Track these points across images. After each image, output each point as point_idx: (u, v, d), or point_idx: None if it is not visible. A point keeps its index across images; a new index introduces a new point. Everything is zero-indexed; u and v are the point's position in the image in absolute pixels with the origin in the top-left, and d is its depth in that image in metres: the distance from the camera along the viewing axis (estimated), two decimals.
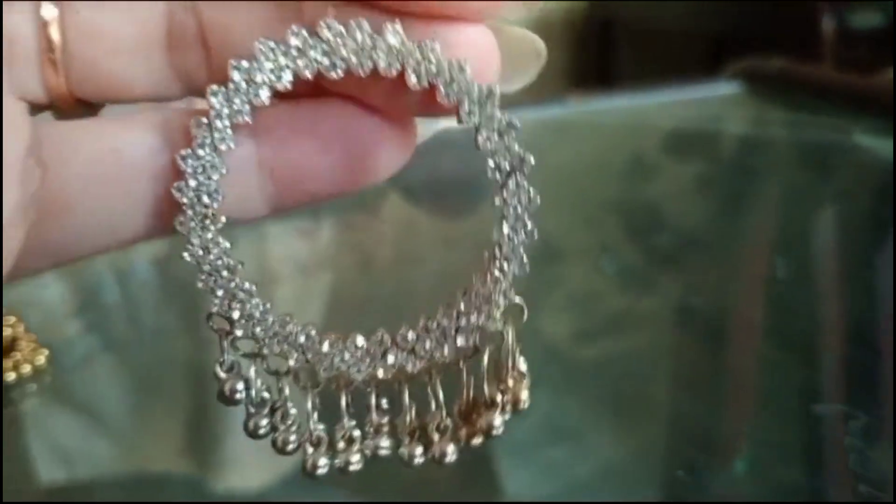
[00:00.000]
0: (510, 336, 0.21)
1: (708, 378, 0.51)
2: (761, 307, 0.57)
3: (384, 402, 0.22)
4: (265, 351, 0.20)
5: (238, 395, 0.21)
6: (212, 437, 0.45)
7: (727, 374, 0.51)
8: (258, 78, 0.18)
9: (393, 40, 0.18)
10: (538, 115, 0.82)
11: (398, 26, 0.18)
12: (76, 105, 0.20)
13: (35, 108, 0.20)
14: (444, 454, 0.21)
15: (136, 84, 0.20)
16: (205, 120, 0.19)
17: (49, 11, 0.19)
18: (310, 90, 0.20)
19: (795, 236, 0.65)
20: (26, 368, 0.46)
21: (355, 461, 0.21)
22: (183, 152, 0.19)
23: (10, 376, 0.45)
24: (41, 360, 0.47)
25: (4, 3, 0.18)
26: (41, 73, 0.19)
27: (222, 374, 0.21)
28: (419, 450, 0.21)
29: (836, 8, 1.10)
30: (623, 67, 1.68)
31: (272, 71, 0.18)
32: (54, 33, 0.19)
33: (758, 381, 0.50)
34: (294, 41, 0.18)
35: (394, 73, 0.18)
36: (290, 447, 0.21)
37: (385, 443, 0.21)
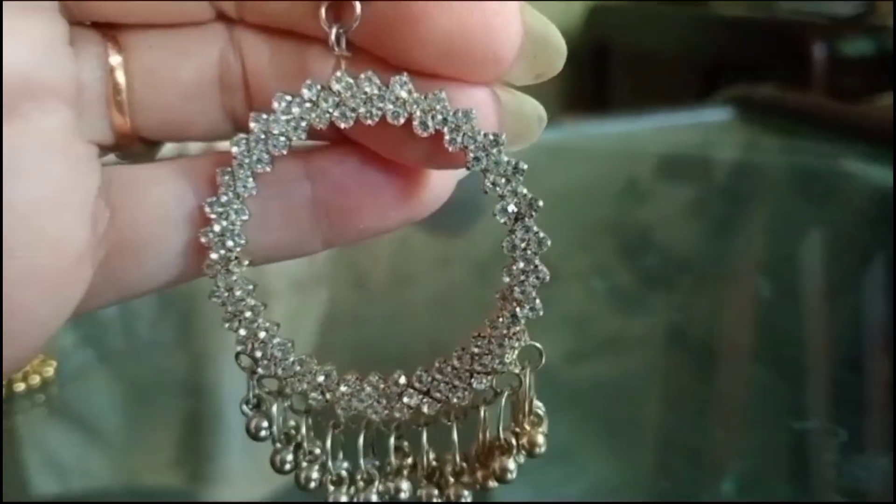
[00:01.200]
0: (527, 379, 0.21)
1: (697, 398, 0.51)
2: (750, 329, 0.58)
3: (405, 444, 0.22)
4: (287, 390, 0.21)
5: (263, 433, 0.21)
6: (204, 451, 0.45)
7: (716, 394, 0.51)
8: (275, 129, 0.19)
9: (401, 92, 0.19)
10: (542, 137, 0.82)
11: (405, 77, 0.19)
12: (140, 144, 0.22)
13: (101, 150, 0.21)
14: (458, 497, 0.21)
15: (194, 124, 0.22)
16: (228, 168, 0.20)
17: (115, 58, 0.20)
18: (340, 134, 0.21)
19: (785, 260, 0.65)
20: (35, 380, 0.46)
21: (374, 500, 0.21)
22: (209, 199, 0.20)
23: (20, 387, 0.46)
24: (50, 371, 0.47)
25: (76, 51, 0.19)
26: (109, 116, 0.21)
27: (248, 412, 0.21)
28: (435, 492, 0.22)
29: (828, 37, 1.11)
30: (618, 92, 1.69)
31: (288, 122, 0.19)
32: (120, 77, 0.20)
33: (746, 400, 0.50)
34: (308, 94, 0.19)
35: (401, 121, 0.19)
36: (312, 484, 0.22)
37: (405, 485, 0.22)
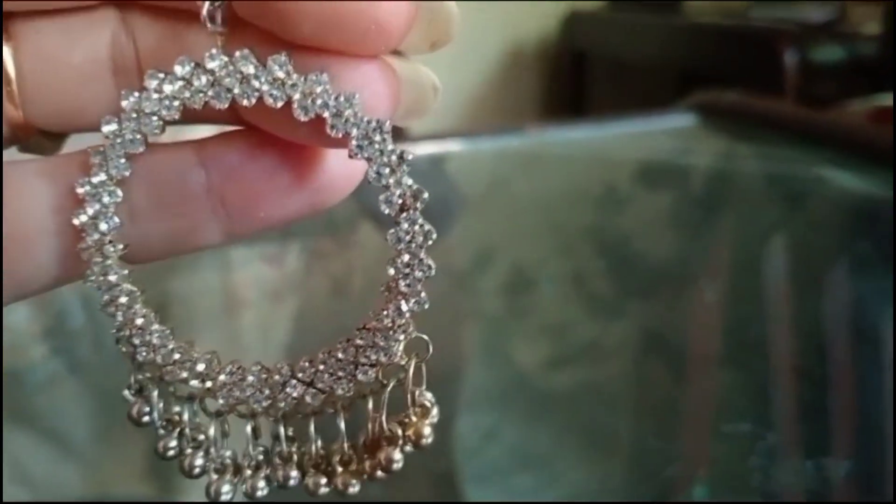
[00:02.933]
0: (411, 371, 0.21)
1: (673, 404, 0.51)
2: (722, 335, 0.58)
3: (290, 432, 0.22)
4: (167, 377, 0.20)
5: (145, 418, 0.21)
6: (175, 461, 0.45)
7: (691, 400, 0.51)
8: (147, 108, 0.18)
9: (279, 72, 0.18)
10: (507, 144, 0.83)
11: (284, 57, 0.18)
12: (38, 136, 0.21)
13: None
14: (346, 486, 0.21)
15: (90, 111, 0.20)
16: (101, 148, 0.19)
17: (4, 48, 0.20)
18: (230, 116, 0.20)
19: (757, 265, 0.66)
20: None
21: (261, 487, 0.21)
22: (80, 180, 0.19)
23: None
24: None
25: None
26: (1, 108, 0.20)
27: (130, 397, 0.21)
28: (323, 480, 0.21)
29: (799, 43, 1.12)
30: (594, 100, 1.70)
31: (160, 100, 0.18)
32: (10, 67, 0.20)
33: (718, 406, 0.50)
34: (180, 71, 0.18)
35: (279, 105, 0.18)
36: (196, 471, 0.21)
37: (294, 472, 0.21)
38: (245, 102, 0.18)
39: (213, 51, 0.18)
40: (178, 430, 0.21)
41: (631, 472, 0.47)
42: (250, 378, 0.20)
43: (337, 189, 0.20)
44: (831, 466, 0.42)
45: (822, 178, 0.77)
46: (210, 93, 0.18)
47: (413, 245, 0.19)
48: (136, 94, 0.18)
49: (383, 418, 0.21)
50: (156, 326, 0.20)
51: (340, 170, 0.20)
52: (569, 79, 1.76)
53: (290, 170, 0.20)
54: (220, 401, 0.20)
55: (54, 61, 0.20)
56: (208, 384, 0.20)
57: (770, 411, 0.48)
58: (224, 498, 0.21)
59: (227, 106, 0.18)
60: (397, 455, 0.20)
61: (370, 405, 0.21)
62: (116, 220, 0.19)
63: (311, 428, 0.21)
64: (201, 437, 0.21)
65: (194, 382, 0.20)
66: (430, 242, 0.19)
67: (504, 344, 0.56)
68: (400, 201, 0.19)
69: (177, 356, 0.20)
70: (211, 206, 0.20)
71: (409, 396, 0.21)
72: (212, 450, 0.21)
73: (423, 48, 0.20)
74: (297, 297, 0.62)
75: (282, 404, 0.20)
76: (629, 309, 0.64)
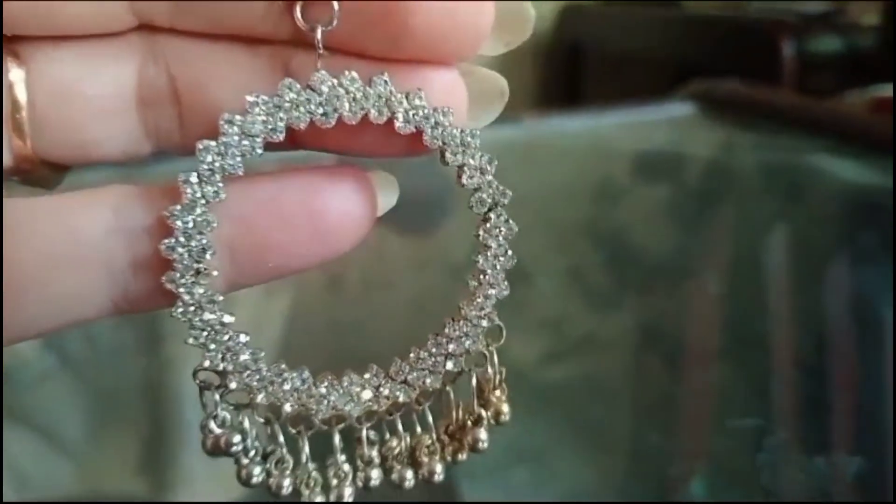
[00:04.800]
0: (495, 355, 0.22)
1: (669, 399, 0.51)
2: (721, 330, 0.58)
3: (372, 434, 0.22)
4: (259, 400, 0.21)
5: (235, 448, 0.21)
6: (168, 457, 0.45)
7: (687, 395, 0.51)
8: (254, 130, 0.19)
9: (382, 90, 0.19)
10: (503, 134, 0.82)
11: (386, 77, 0.19)
12: (42, 168, 0.20)
13: None
14: (432, 473, 0.22)
15: (106, 144, 0.20)
16: (194, 177, 0.19)
17: (16, 73, 0.19)
18: (284, 144, 0.20)
19: (754, 257, 0.66)
20: None
21: (347, 495, 0.22)
22: (174, 210, 0.18)
23: None
24: None
25: None
26: (7, 137, 0.19)
27: (216, 429, 0.21)
28: (409, 473, 0.22)
29: (797, 35, 1.12)
30: (591, 92, 1.70)
31: (265, 123, 0.19)
32: (21, 94, 0.19)
33: (716, 401, 0.50)
34: (289, 94, 0.19)
35: (384, 120, 0.19)
36: (285, 490, 0.21)
37: (375, 473, 0.22)
38: (352, 120, 0.19)
39: (322, 73, 0.19)
40: (258, 454, 0.21)
41: (628, 467, 0.46)
42: (346, 387, 0.21)
43: (345, 239, 0.20)
44: (831, 460, 0.42)
45: (822, 167, 0.77)
46: (320, 112, 0.19)
47: (500, 238, 0.21)
48: (240, 117, 0.19)
49: (474, 401, 0.22)
50: (251, 350, 0.20)
51: (351, 217, 0.20)
52: (564, 72, 1.76)
53: (302, 221, 0.19)
54: (319, 414, 0.21)
55: (69, 92, 0.19)
56: (304, 399, 0.21)
57: (769, 406, 0.48)
58: None
59: (333, 124, 0.19)
60: (483, 435, 0.22)
61: (451, 394, 0.22)
62: (212, 247, 0.19)
63: (399, 425, 0.22)
64: (278, 456, 0.21)
65: (293, 399, 0.21)
66: (512, 236, 0.21)
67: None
68: (490, 200, 0.21)
69: (273, 376, 0.21)
70: (218, 256, 0.19)
71: (494, 379, 0.22)
72: (307, 465, 0.22)
73: (498, 49, 0.20)
74: (290, 292, 0.62)
75: (375, 406, 0.21)
76: (626, 302, 0.64)
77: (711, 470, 0.44)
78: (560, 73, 1.77)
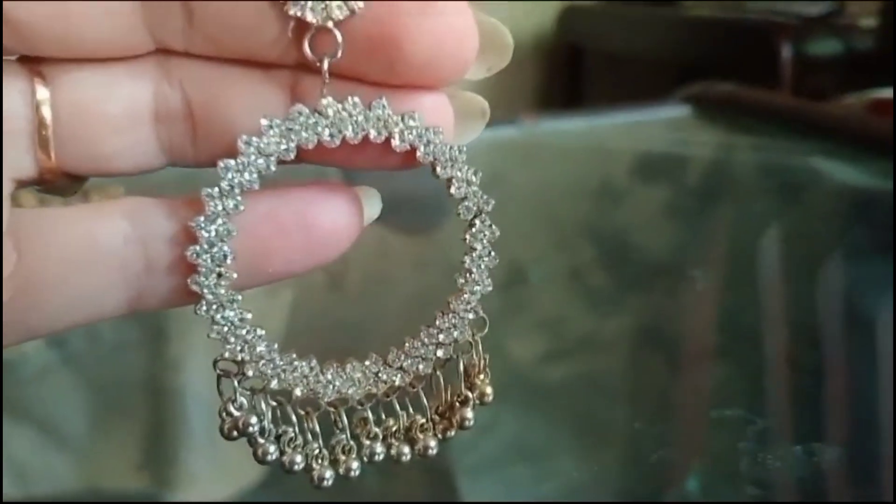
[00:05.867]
0: (479, 344, 0.25)
1: (667, 397, 0.51)
2: (719, 328, 0.58)
3: (369, 415, 0.25)
4: (272, 386, 0.23)
5: (252, 429, 0.23)
6: (168, 454, 0.45)
7: (685, 394, 0.51)
8: (269, 150, 0.21)
9: (381, 113, 0.21)
10: (503, 135, 0.82)
11: (384, 101, 0.21)
12: (62, 179, 0.21)
13: (22, 185, 0.21)
14: (427, 448, 0.25)
15: (124, 159, 0.21)
16: (216, 192, 0.21)
17: (42, 92, 0.20)
18: (293, 160, 0.22)
19: (752, 257, 0.66)
20: None
21: (355, 467, 0.24)
22: (199, 221, 0.21)
23: None
24: None
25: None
26: (33, 152, 0.20)
27: (235, 412, 0.23)
28: (406, 448, 0.25)
29: (796, 37, 1.12)
30: (591, 94, 1.70)
31: (278, 144, 0.21)
32: (46, 112, 0.20)
33: (712, 399, 0.50)
34: (300, 118, 0.21)
35: (382, 139, 0.21)
36: (297, 466, 0.24)
37: (379, 448, 0.24)
38: (354, 140, 0.21)
39: (329, 99, 0.21)
40: (271, 434, 0.24)
41: (626, 465, 0.47)
42: (349, 373, 0.24)
43: (335, 247, 0.22)
44: (824, 456, 0.42)
45: (818, 168, 0.77)
46: (326, 134, 0.21)
47: (484, 241, 0.24)
48: (256, 138, 0.21)
49: (462, 385, 0.25)
50: (266, 342, 0.23)
51: (341, 228, 0.22)
52: (565, 73, 1.76)
53: (297, 231, 0.22)
54: (326, 397, 0.24)
55: (92, 109, 0.21)
56: (312, 384, 0.24)
57: (765, 402, 0.48)
58: (327, 483, 0.24)
59: (338, 144, 0.21)
60: (470, 414, 0.25)
61: (441, 379, 0.25)
62: (231, 255, 0.21)
63: (397, 406, 0.25)
64: (290, 435, 0.24)
65: (302, 384, 0.24)
66: (495, 238, 0.24)
67: (499, 337, 0.56)
68: (475, 208, 0.23)
69: (285, 365, 0.23)
70: None
71: (479, 364, 0.25)
72: (316, 443, 0.24)
73: (480, 73, 0.22)
74: (291, 290, 0.62)
75: (374, 390, 0.24)
76: (626, 302, 0.64)
77: (708, 466, 0.44)
78: (560, 73, 1.77)
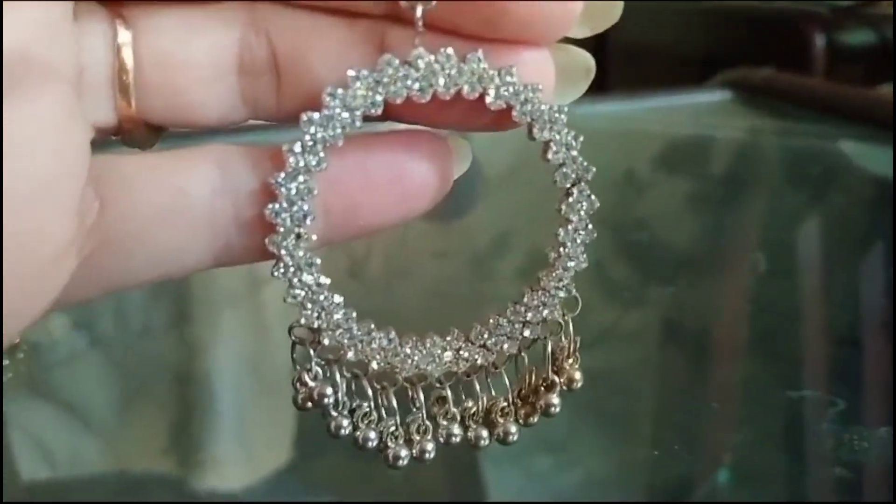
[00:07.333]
0: (570, 325, 0.23)
1: (693, 389, 0.51)
2: (748, 317, 0.57)
3: (449, 395, 0.24)
4: (349, 357, 0.22)
5: (327, 399, 0.22)
6: (195, 438, 0.45)
7: (712, 385, 0.51)
8: (354, 104, 0.20)
9: (476, 67, 0.20)
10: None
11: (480, 54, 0.20)
12: (144, 129, 0.21)
13: (102, 133, 0.20)
14: (507, 434, 0.23)
15: (206, 110, 0.21)
16: (298, 147, 0.20)
17: (123, 36, 0.19)
18: (379, 116, 0.21)
19: (783, 244, 0.65)
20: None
21: (430, 449, 0.23)
22: (279, 177, 0.20)
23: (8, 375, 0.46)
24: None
25: (81, 27, 0.19)
26: (113, 98, 0.20)
27: (311, 381, 0.22)
28: (485, 432, 0.23)
29: (827, 27, 1.11)
30: (617, 85, 1.69)
31: (364, 97, 0.20)
32: (128, 57, 0.19)
33: (742, 391, 0.50)
34: (388, 70, 0.20)
35: (476, 95, 0.20)
36: (371, 444, 0.23)
37: (457, 430, 0.23)
38: (445, 95, 0.20)
39: (420, 50, 0.20)
40: (345, 408, 0.23)
41: (651, 457, 0.46)
42: (429, 348, 0.23)
43: (425, 200, 0.21)
44: (862, 453, 0.42)
45: (854, 155, 0.76)
46: (416, 87, 0.20)
47: (581, 213, 0.22)
48: (342, 91, 0.20)
49: (548, 368, 0.23)
50: (344, 310, 0.22)
51: (433, 179, 0.21)
52: None
53: (392, 180, 0.21)
54: (404, 372, 0.22)
55: (175, 56, 0.20)
56: (390, 357, 0.22)
57: (797, 399, 0.48)
58: (402, 463, 0.23)
59: (428, 99, 0.20)
60: (556, 400, 0.23)
61: (526, 359, 0.23)
62: (312, 214, 0.20)
63: (477, 387, 0.23)
64: (364, 410, 0.23)
65: (378, 358, 0.22)
66: (594, 210, 0.22)
67: None
68: (574, 175, 0.22)
69: (363, 335, 0.22)
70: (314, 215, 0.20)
71: (569, 347, 0.23)
72: (391, 420, 0.23)
73: (585, 31, 0.21)
74: None
75: (455, 368, 0.23)
76: (650, 293, 0.64)
77: (737, 462, 0.43)
78: None
